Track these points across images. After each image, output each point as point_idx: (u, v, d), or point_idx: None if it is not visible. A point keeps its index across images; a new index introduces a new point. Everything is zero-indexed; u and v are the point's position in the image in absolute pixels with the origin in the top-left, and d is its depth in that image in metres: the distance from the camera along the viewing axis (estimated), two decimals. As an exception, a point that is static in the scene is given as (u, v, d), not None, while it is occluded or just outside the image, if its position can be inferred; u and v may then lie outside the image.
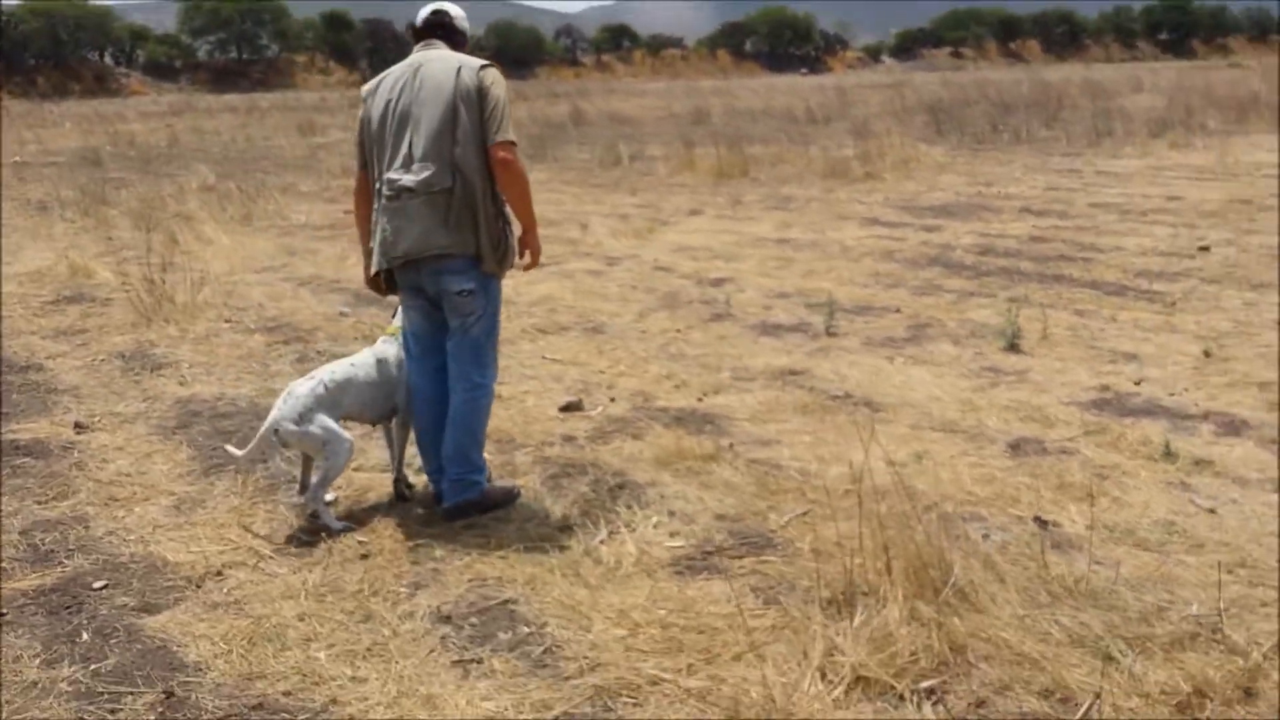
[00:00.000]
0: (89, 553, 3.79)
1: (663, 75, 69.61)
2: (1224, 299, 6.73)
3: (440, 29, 3.93)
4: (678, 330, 6.59)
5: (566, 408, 5.15)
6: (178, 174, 15.87)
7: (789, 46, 79.02)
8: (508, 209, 3.88)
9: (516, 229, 3.96)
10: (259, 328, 6.83)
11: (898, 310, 6.86)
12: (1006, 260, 8.34)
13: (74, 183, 14.65)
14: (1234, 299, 6.72)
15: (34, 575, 3.64)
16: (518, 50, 67.78)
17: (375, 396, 4.02)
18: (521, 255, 4.01)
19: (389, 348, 4.09)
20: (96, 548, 3.83)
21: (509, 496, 4.08)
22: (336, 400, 3.89)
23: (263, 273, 8.67)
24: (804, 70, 71.88)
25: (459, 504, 3.94)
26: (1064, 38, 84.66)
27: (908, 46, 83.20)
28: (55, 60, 54.80)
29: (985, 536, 3.58)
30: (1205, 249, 8.31)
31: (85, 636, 3.24)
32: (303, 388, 3.87)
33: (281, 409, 3.83)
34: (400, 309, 4.09)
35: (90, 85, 53.41)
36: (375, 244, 3.82)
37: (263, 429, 3.88)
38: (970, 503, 3.87)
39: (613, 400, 5.27)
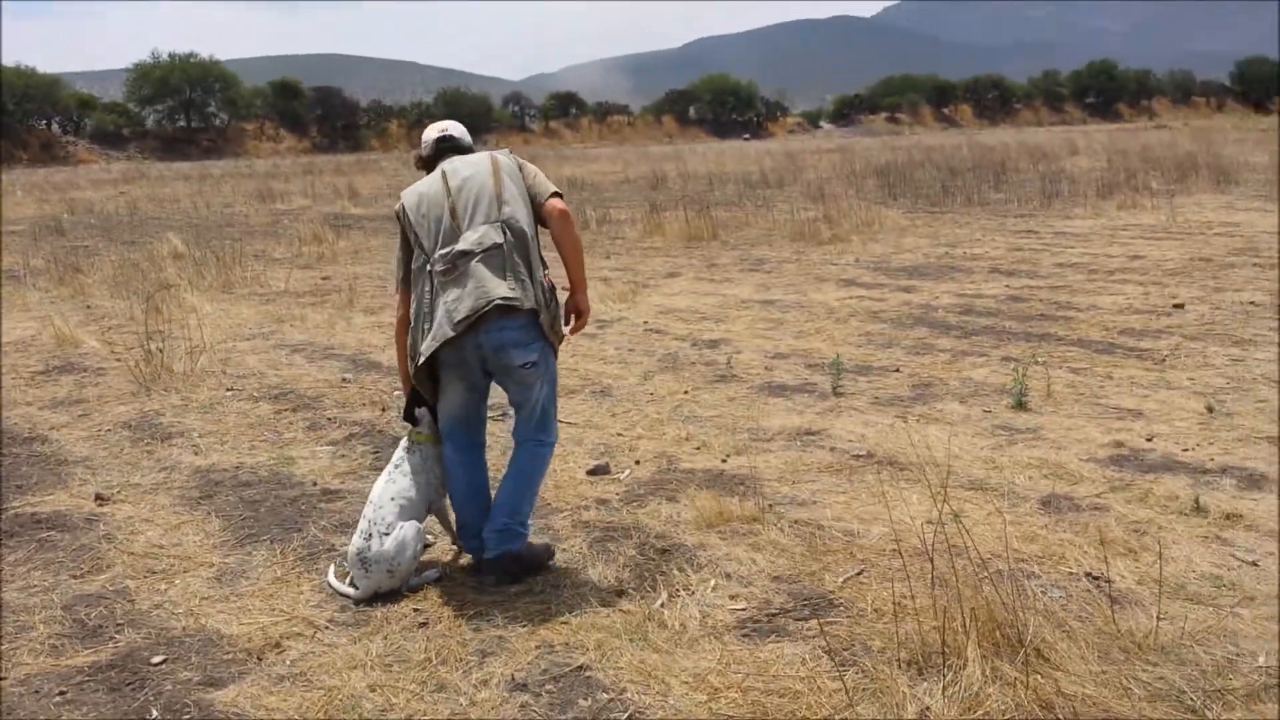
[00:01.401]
0: (139, 626, 3.71)
1: (609, 140, 70.60)
2: (1210, 355, 6.96)
3: (453, 149, 4.10)
4: (685, 392, 6.65)
5: (594, 471, 5.17)
6: (144, 241, 15.72)
7: (731, 113, 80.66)
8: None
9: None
10: (263, 395, 6.77)
11: (898, 370, 6.99)
12: (990, 319, 8.55)
13: (40, 251, 14.44)
14: (1220, 355, 6.95)
15: (87, 651, 3.55)
16: (466, 117, 68.24)
17: (418, 507, 4.02)
18: (567, 320, 4.09)
19: (411, 458, 4.05)
20: (145, 621, 3.75)
21: (547, 554, 4.10)
22: (392, 522, 3.90)
23: (253, 339, 8.60)
24: (746, 135, 73.39)
25: (502, 554, 3.94)
26: (995, 102, 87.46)
27: (845, 112, 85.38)
28: (1, 129, 54.12)
29: (1043, 593, 3.65)
30: (1180, 306, 8.60)
31: (155, 714, 3.16)
32: (355, 544, 3.89)
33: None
34: (429, 416, 4.07)
35: (37, 154, 52.87)
36: (434, 324, 3.81)
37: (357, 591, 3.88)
38: (1020, 560, 3.95)
39: (638, 463, 5.30)
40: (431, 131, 4.14)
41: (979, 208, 17.81)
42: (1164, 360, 6.89)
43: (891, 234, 14.72)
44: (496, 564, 3.94)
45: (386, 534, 3.87)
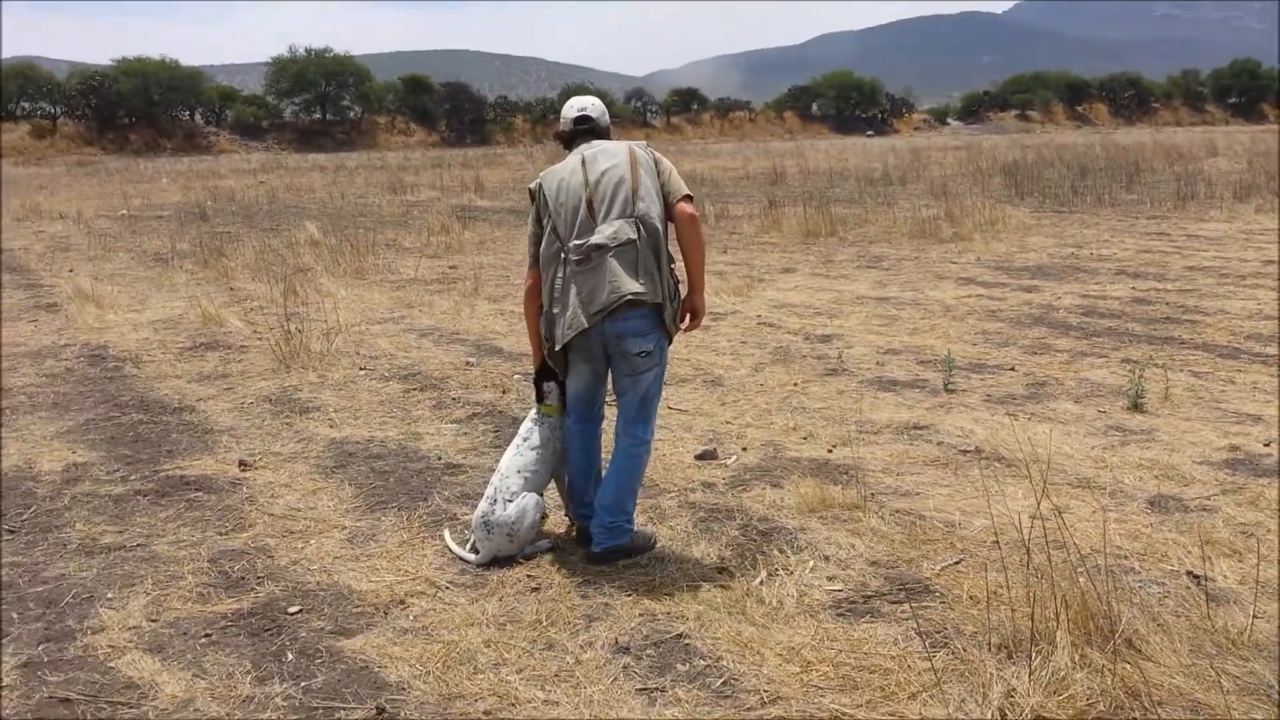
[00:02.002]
0: (277, 580, 4.05)
1: (730, 136, 70.51)
2: (1343, 363, 6.75)
3: (590, 129, 4.25)
4: (795, 384, 6.76)
5: (702, 456, 5.34)
6: (283, 228, 16.52)
7: (855, 109, 79.62)
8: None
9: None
10: (393, 375, 7.16)
11: (1013, 369, 6.97)
12: (1112, 321, 8.41)
13: (186, 236, 15.33)
14: (1353, 363, 6.74)
15: (230, 600, 3.90)
16: (590, 112, 68.88)
17: (541, 476, 4.28)
18: (681, 319, 4.24)
19: (540, 430, 4.28)
20: (283, 575, 4.08)
21: (649, 543, 4.26)
22: (516, 491, 4.17)
23: (384, 324, 9.04)
24: (870, 132, 72.36)
25: (609, 548, 4.14)
26: (1131, 101, 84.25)
27: (973, 109, 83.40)
28: (148, 118, 57.15)
29: (1140, 588, 3.68)
30: (1314, 313, 8.32)
31: (290, 656, 3.47)
32: (480, 509, 4.16)
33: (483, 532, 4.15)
34: (558, 390, 4.29)
35: (180, 143, 55.62)
36: (567, 313, 4.01)
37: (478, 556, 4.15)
38: (1120, 556, 3.97)
39: (745, 450, 5.45)
40: (570, 109, 4.26)
41: (1109, 208, 17.33)
42: (1291, 367, 6.71)
43: (1015, 233, 14.47)
44: (602, 558, 4.14)
45: (510, 501, 4.12)
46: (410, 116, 67.09)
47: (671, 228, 4.11)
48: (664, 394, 6.50)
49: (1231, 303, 8.98)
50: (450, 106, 68.48)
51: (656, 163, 4.11)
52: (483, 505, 4.16)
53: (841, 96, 79.43)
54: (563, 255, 4.03)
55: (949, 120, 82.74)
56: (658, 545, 4.27)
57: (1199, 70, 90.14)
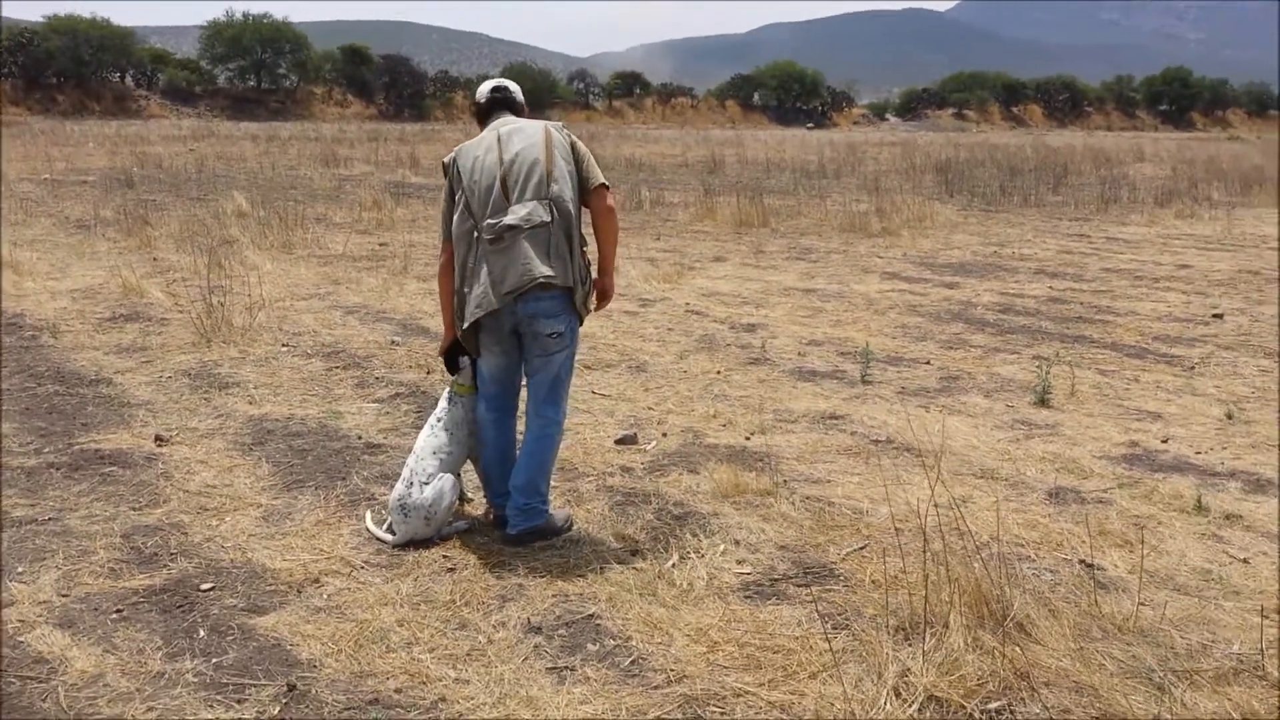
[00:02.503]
0: (190, 557, 4.04)
1: (672, 123, 70.58)
2: (1241, 365, 7.04)
3: (505, 103, 4.32)
4: (718, 372, 6.87)
5: (622, 440, 5.42)
6: (210, 198, 16.23)
7: (796, 101, 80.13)
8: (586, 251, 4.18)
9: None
10: (316, 353, 7.12)
11: (928, 362, 7.16)
12: (1027, 319, 8.66)
13: (110, 203, 14.97)
14: (1250, 365, 7.03)
15: (143, 576, 3.88)
16: (530, 92, 68.49)
17: (457, 457, 4.31)
18: (593, 298, 4.29)
19: (453, 410, 4.31)
20: (197, 552, 4.07)
21: (565, 526, 4.32)
22: (432, 473, 4.20)
23: (310, 299, 8.96)
24: (810, 125, 72.96)
25: (525, 530, 4.20)
26: (1066, 105, 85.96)
27: (912, 106, 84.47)
28: (76, 79, 55.46)
29: (1034, 575, 3.84)
30: (1219, 316, 8.65)
31: (202, 633, 3.48)
32: (397, 492, 4.19)
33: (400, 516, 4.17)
34: (473, 367, 4.32)
35: (110, 106, 54.10)
36: (477, 291, 4.04)
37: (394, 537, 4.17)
38: (1018, 544, 4.14)
39: (665, 435, 5.54)
40: (486, 85, 4.36)
41: (1035, 209, 17.76)
42: (1193, 368, 6.98)
43: (943, 230, 14.77)
44: (518, 540, 4.18)
45: (426, 484, 4.15)
46: (347, 88, 66.02)
47: (586, 213, 4.17)
48: (588, 378, 6.60)
49: (1143, 304, 9.29)
50: (389, 79, 67.51)
51: (573, 147, 4.14)
52: (399, 488, 4.18)
53: (783, 87, 79.87)
54: (475, 234, 4.05)
55: (888, 116, 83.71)
56: (573, 528, 4.33)
57: (1132, 76, 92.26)
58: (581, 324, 4.26)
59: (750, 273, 11.09)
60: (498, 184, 4.03)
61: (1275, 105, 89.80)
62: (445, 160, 4.21)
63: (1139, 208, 17.72)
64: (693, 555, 4.03)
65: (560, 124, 4.23)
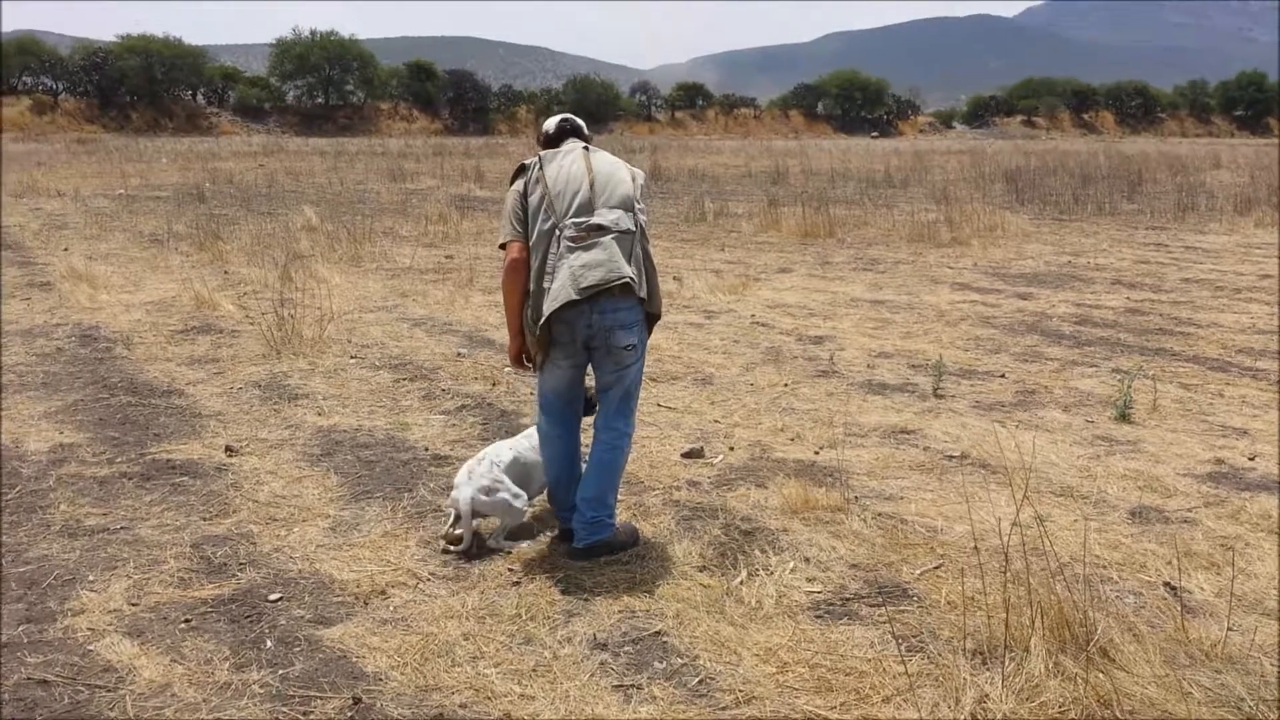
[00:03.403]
0: (259, 567, 4.06)
1: (735, 133, 70.47)
2: (1331, 379, 6.77)
3: (574, 131, 4.36)
4: (785, 385, 6.77)
5: (689, 454, 5.35)
6: (280, 213, 16.51)
7: (860, 109, 79.56)
8: None
9: None
10: (384, 365, 7.16)
11: (1003, 375, 6.99)
12: (1105, 331, 8.42)
13: (182, 217, 15.31)
14: (1342, 380, 6.75)
15: (211, 586, 3.91)
16: (593, 104, 69.16)
17: (531, 478, 4.41)
18: None
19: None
20: (266, 563, 4.09)
21: (633, 538, 4.28)
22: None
23: (378, 312, 9.04)
24: (874, 133, 72.37)
25: (593, 544, 4.15)
26: (1138, 111, 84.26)
27: (979, 113, 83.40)
28: (149, 97, 57.00)
29: (1117, 598, 3.69)
30: (1307, 328, 8.34)
31: (269, 644, 3.48)
32: (481, 467, 4.30)
33: (469, 486, 4.24)
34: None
35: (182, 123, 55.55)
36: (555, 285, 3.98)
37: (462, 506, 4.21)
38: (1099, 565, 3.99)
39: (732, 449, 5.47)
40: (554, 118, 4.40)
41: (1109, 218, 17.35)
42: (1278, 382, 6.72)
43: (1014, 240, 14.50)
44: (586, 553, 4.14)
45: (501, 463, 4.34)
46: (413, 103, 67.02)
47: None
48: (654, 391, 6.55)
49: (1225, 316, 8.99)
50: (454, 94, 68.40)
51: (641, 186, 4.16)
52: (478, 464, 4.31)
53: (846, 96, 79.37)
54: (557, 232, 4.01)
55: (954, 124, 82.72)
56: (640, 542, 4.28)
57: (1206, 81, 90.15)
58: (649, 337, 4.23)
59: (816, 283, 10.97)
60: (585, 185, 4.02)
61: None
62: (526, 162, 4.19)
63: (1218, 216, 17.22)
64: (761, 572, 3.95)
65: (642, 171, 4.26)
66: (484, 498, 4.21)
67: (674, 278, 11.04)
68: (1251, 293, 10.17)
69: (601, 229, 3.96)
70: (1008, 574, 3.36)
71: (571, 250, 3.96)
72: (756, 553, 4.12)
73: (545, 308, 3.99)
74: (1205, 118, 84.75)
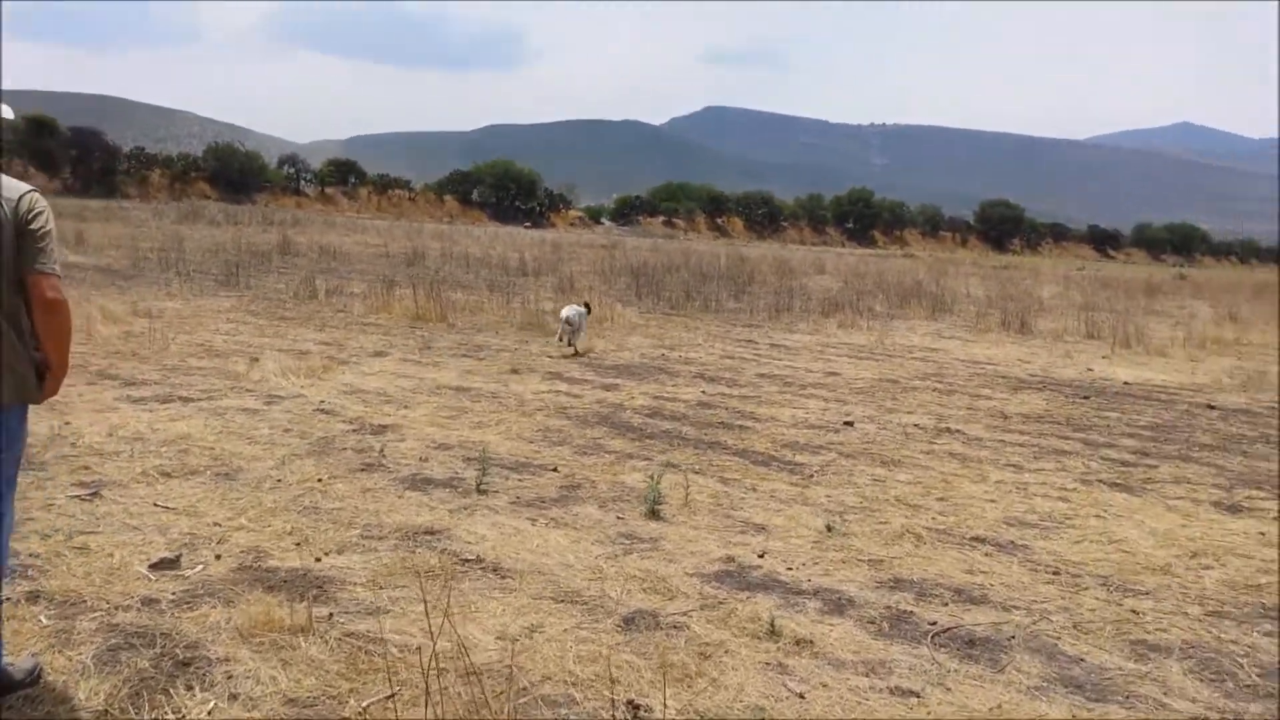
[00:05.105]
0: None
1: (388, 213, 69.47)
2: (856, 473, 7.12)
3: None
4: (319, 480, 6.18)
5: (158, 564, 4.61)
6: None
7: (514, 199, 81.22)
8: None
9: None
10: None
11: (555, 469, 6.78)
12: (671, 424, 8.53)
13: None
14: (865, 474, 7.12)
15: None
16: (235, 173, 65.87)
17: None
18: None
19: None
20: None
21: (30, 677, 3.48)
22: None
23: None
24: (528, 224, 74.01)
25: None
26: (764, 218, 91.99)
27: (625, 211, 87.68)
28: None
29: (571, 723, 3.40)
30: (849, 424, 8.87)
31: None
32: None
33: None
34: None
35: None
36: None
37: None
38: (569, 683, 3.70)
39: (219, 557, 4.79)
40: None
41: (713, 314, 18.27)
42: (811, 476, 6.98)
43: (619, 331, 14.80)
44: None
45: None
46: (30, 160, 60.57)
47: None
48: (158, 488, 5.74)
49: (784, 410, 9.43)
50: (77, 153, 62.66)
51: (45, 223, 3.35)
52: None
53: (501, 185, 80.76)
54: None
55: (603, 220, 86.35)
56: (39, 681, 3.50)
57: (822, 195, 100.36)
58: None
59: (409, 369, 10.49)
60: None
61: (945, 226, 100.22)
62: None
63: (808, 316, 18.62)
64: (169, 716, 3.31)
65: (28, 187, 3.41)
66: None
67: (251, 359, 10.17)
68: (815, 389, 10.81)
69: None
70: (428, 708, 2.95)
71: None
72: (180, 690, 3.48)
73: None
74: (821, 228, 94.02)
